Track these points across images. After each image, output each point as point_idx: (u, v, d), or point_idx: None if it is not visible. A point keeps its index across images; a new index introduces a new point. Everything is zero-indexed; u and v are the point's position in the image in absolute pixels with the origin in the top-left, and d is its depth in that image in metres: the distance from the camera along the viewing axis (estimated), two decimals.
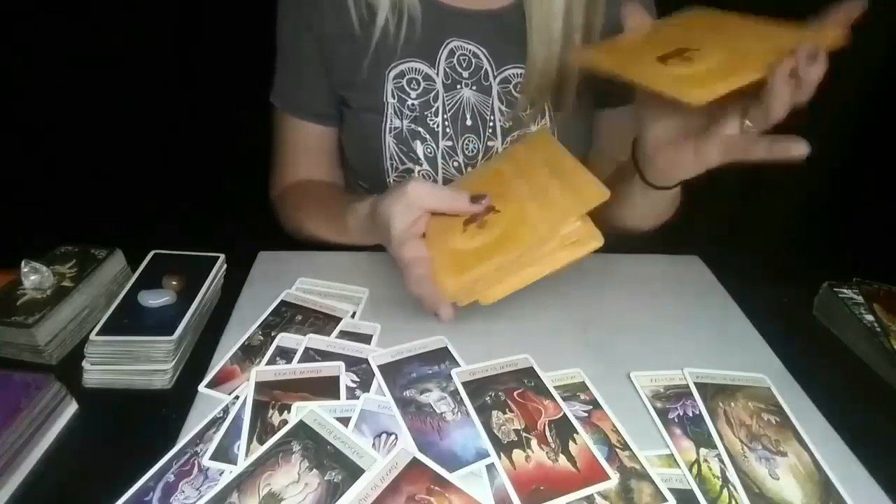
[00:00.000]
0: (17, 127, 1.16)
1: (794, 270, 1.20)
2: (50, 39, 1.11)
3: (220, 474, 0.43)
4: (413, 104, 0.70)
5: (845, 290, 0.66)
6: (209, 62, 1.17)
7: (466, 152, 0.72)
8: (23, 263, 0.60)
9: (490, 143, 0.72)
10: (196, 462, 0.44)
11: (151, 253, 0.67)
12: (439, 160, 0.72)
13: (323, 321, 0.59)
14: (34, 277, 0.59)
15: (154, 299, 0.59)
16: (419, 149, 0.72)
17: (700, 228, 1.31)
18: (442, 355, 0.54)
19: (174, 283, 0.61)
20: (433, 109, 0.71)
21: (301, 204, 0.77)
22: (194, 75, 1.19)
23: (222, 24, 1.11)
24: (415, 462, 0.43)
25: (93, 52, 1.11)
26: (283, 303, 0.61)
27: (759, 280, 0.71)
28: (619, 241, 0.74)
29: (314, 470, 0.42)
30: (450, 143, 0.72)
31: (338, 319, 0.59)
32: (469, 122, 0.71)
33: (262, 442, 0.44)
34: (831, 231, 1.22)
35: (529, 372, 0.52)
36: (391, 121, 0.71)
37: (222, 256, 0.68)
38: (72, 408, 0.51)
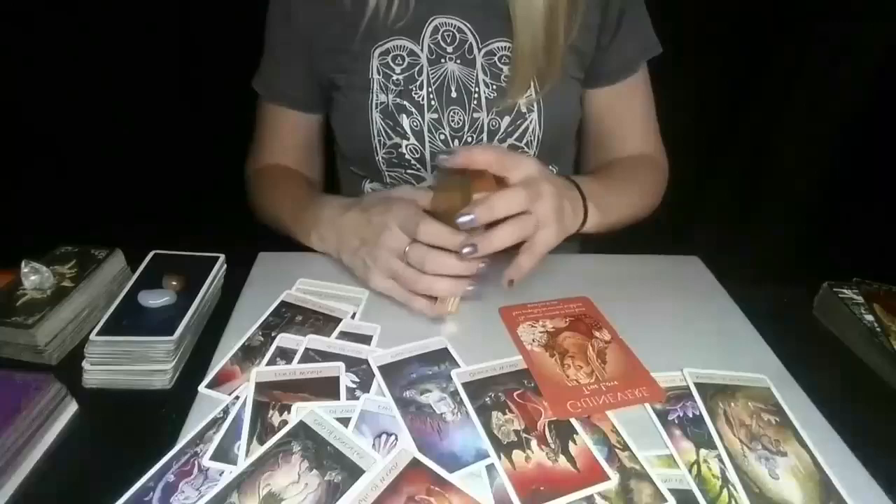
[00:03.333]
0: (18, 127, 1.16)
1: (794, 270, 1.20)
2: (49, 39, 1.11)
3: (220, 474, 0.43)
4: (398, 79, 0.72)
5: (845, 290, 0.66)
6: (209, 62, 1.17)
7: (452, 125, 0.73)
8: (23, 263, 0.60)
9: (476, 115, 0.72)
10: (196, 462, 0.44)
11: (151, 253, 0.67)
12: (426, 133, 0.73)
13: (323, 322, 0.59)
14: (34, 277, 0.59)
15: (154, 299, 0.59)
16: (405, 122, 0.72)
17: (700, 228, 1.31)
18: (442, 356, 0.54)
19: (174, 283, 0.61)
20: (418, 83, 0.72)
21: (272, 185, 0.80)
22: (194, 75, 1.19)
23: (222, 23, 1.11)
24: (415, 462, 0.43)
25: (92, 51, 1.11)
26: (283, 303, 0.61)
27: (759, 280, 0.71)
28: (619, 242, 0.75)
29: (314, 470, 0.42)
30: (435, 116, 0.72)
31: (338, 320, 0.59)
32: (454, 95, 0.72)
33: (262, 442, 0.44)
34: (831, 231, 1.23)
35: (529, 373, 0.52)
36: (377, 96, 0.72)
37: (222, 256, 0.68)
38: (72, 408, 0.51)
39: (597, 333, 0.58)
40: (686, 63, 0.81)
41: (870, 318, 0.62)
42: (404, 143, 0.74)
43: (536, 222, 0.56)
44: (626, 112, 0.80)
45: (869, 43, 1.11)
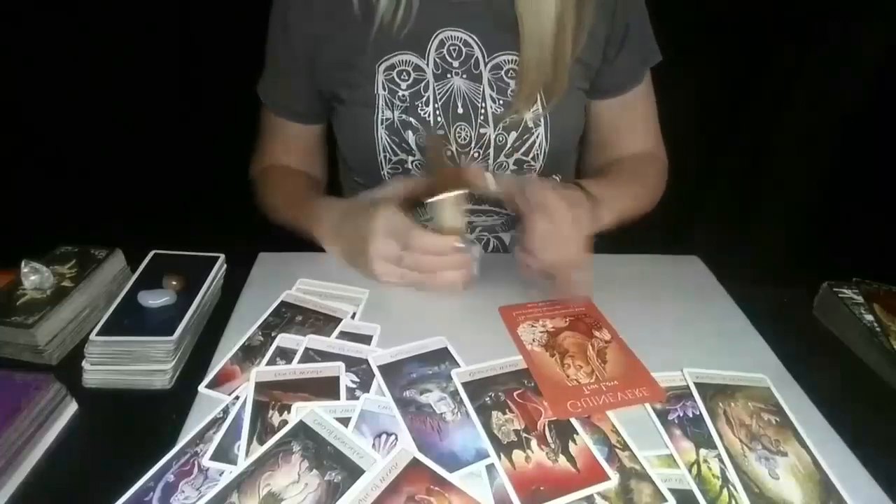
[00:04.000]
0: (17, 127, 1.16)
1: (794, 270, 1.20)
2: (49, 39, 1.11)
3: (220, 474, 0.43)
4: (404, 95, 0.71)
5: (845, 290, 0.66)
6: (209, 62, 1.17)
7: (459, 140, 0.72)
8: (23, 263, 0.60)
9: (482, 131, 0.72)
10: (196, 462, 0.44)
11: (151, 253, 0.67)
12: None
13: (323, 322, 0.59)
14: (34, 277, 0.59)
15: (154, 299, 0.59)
16: (411, 139, 0.72)
17: (700, 228, 1.31)
18: (442, 356, 0.54)
19: (174, 283, 0.61)
20: (424, 99, 0.71)
21: (273, 186, 0.81)
22: (194, 75, 1.19)
23: (222, 23, 1.11)
24: (415, 462, 0.43)
25: (92, 52, 1.11)
26: (283, 303, 0.61)
27: (759, 280, 0.71)
28: (620, 242, 0.75)
29: (314, 470, 0.42)
30: (442, 132, 0.72)
31: (338, 320, 0.59)
32: (460, 111, 0.72)
33: (262, 442, 0.44)
34: (831, 231, 1.23)
35: (529, 373, 0.52)
36: (383, 112, 0.72)
37: (222, 256, 0.68)
38: (72, 408, 0.51)
39: (597, 333, 0.58)
40: (686, 63, 0.81)
41: (870, 318, 0.62)
42: (410, 158, 0.74)
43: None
44: (631, 118, 0.81)
45: (869, 43, 1.11)
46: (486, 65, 0.71)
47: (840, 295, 0.66)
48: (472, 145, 0.73)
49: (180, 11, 1.13)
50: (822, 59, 1.14)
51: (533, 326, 0.59)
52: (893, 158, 1.14)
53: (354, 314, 0.60)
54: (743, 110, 1.24)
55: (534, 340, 0.57)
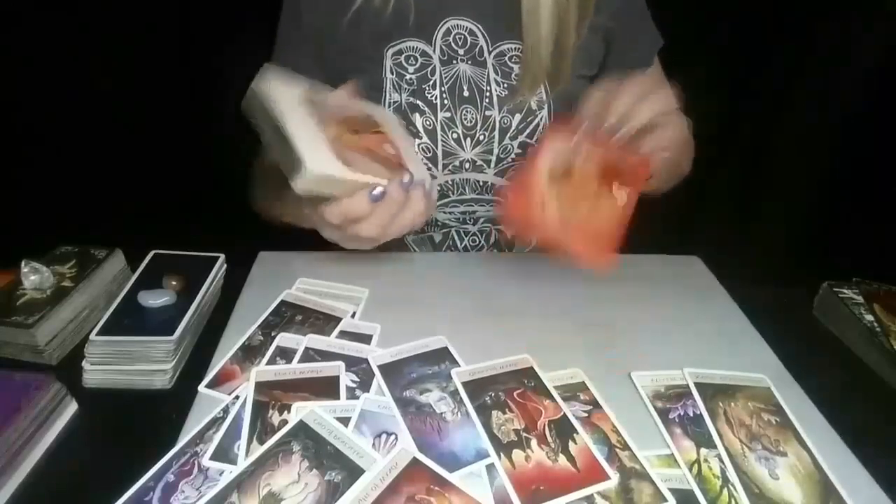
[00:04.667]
0: (17, 126, 1.16)
1: (794, 270, 1.20)
2: (49, 39, 1.11)
3: (220, 474, 0.43)
4: (411, 78, 0.73)
5: (845, 290, 0.67)
6: (210, 61, 1.17)
7: (465, 123, 0.74)
8: (23, 263, 0.60)
9: (488, 113, 0.74)
10: (196, 462, 0.44)
11: (151, 253, 0.67)
12: (438, 132, 0.74)
13: (323, 321, 0.59)
14: (34, 277, 0.59)
15: (154, 299, 0.59)
16: (418, 121, 0.73)
17: (700, 228, 1.31)
18: (442, 355, 0.54)
19: (174, 283, 0.61)
20: (431, 83, 0.73)
21: (267, 175, 0.78)
22: (195, 74, 1.19)
23: (223, 21, 1.11)
24: (415, 462, 0.43)
25: (92, 51, 1.11)
26: (283, 303, 0.61)
27: (759, 280, 0.71)
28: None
29: (314, 470, 0.42)
30: (448, 115, 0.73)
31: (338, 319, 0.59)
32: (466, 94, 0.73)
33: (262, 442, 0.44)
34: (831, 231, 1.22)
35: (529, 372, 0.52)
36: (390, 95, 0.73)
37: (222, 256, 0.68)
38: (72, 408, 0.51)
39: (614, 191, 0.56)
40: (685, 63, 0.82)
41: (870, 318, 0.62)
42: (417, 141, 0.75)
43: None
44: None
45: (869, 43, 1.11)
46: (490, 52, 0.73)
47: (840, 295, 0.66)
48: (478, 128, 0.74)
49: (180, 11, 1.13)
50: (822, 59, 1.14)
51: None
52: (893, 158, 1.14)
53: (354, 314, 0.60)
54: (743, 110, 1.24)
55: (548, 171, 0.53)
